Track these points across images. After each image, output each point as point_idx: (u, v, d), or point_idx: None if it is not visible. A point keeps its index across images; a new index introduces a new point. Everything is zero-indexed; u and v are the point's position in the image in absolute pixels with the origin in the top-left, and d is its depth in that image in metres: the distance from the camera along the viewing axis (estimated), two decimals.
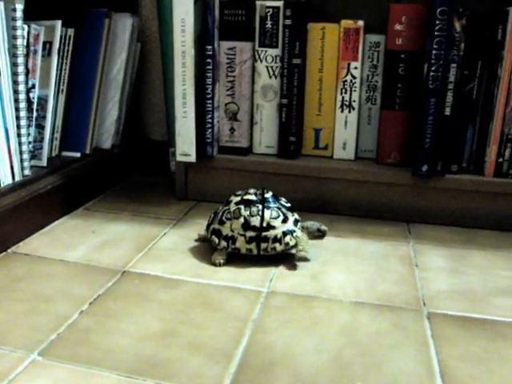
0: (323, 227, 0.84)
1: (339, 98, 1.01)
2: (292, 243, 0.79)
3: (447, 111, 0.92)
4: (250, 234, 0.78)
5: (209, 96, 0.99)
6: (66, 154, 1.06)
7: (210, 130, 1.00)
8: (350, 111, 1.01)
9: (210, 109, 0.99)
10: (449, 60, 0.89)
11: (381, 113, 1.00)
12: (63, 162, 1.02)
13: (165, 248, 0.85)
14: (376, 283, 0.76)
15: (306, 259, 0.80)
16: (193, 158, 0.99)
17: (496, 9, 0.89)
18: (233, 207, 0.80)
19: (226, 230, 0.79)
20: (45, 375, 0.54)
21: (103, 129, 1.13)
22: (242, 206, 0.79)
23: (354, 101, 1.00)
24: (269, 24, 0.99)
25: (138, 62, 1.20)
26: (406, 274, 0.79)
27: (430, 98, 0.90)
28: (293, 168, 1.00)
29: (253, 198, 0.80)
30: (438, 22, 0.87)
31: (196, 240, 0.88)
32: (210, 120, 1.00)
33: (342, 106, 1.01)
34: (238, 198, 0.81)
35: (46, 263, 0.78)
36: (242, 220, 0.78)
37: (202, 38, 0.96)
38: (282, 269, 0.79)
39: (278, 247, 0.79)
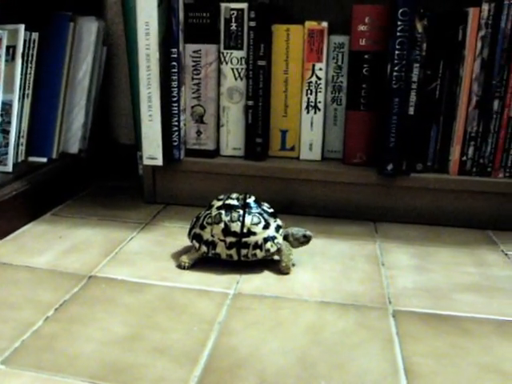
0: (308, 233, 0.82)
1: (305, 99, 1.01)
2: (273, 250, 0.79)
3: (411, 111, 0.93)
4: (230, 239, 0.78)
5: (174, 99, 0.99)
6: (32, 159, 1.05)
7: (176, 133, 1.00)
8: (315, 112, 1.02)
9: (176, 112, 0.99)
10: (411, 60, 0.90)
11: (346, 113, 1.01)
12: (29, 168, 1.01)
13: (132, 252, 0.84)
14: (342, 282, 0.77)
15: (288, 273, 0.80)
16: (159, 162, 0.99)
17: (456, 10, 0.91)
18: (214, 212, 0.79)
19: (206, 235, 0.79)
20: None
21: (70, 133, 1.12)
22: (223, 211, 0.79)
23: (320, 102, 1.01)
24: (233, 26, 0.99)
25: (104, 65, 1.19)
26: (372, 273, 0.80)
27: (394, 97, 0.92)
28: (260, 169, 1.01)
29: (234, 203, 0.80)
30: (399, 22, 0.88)
31: None
32: (176, 123, 1.00)
33: (307, 107, 1.02)
34: (220, 203, 0.80)
35: (11, 270, 0.78)
36: (222, 225, 0.78)
37: (167, 41, 0.96)
38: (248, 269, 0.79)
39: (259, 254, 0.78)
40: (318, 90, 1.01)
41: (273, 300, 0.71)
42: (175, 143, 1.01)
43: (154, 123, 0.97)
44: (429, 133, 0.95)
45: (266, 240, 0.78)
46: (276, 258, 0.81)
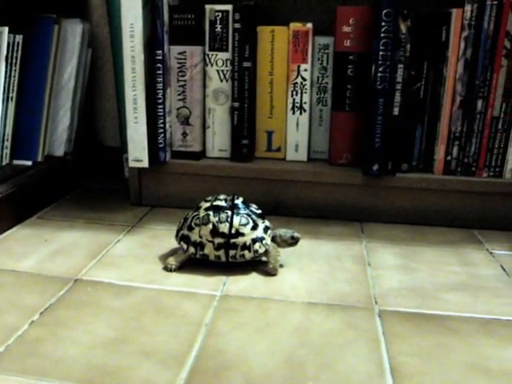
0: (296, 234, 0.82)
1: (290, 100, 1.02)
2: (261, 250, 0.79)
3: (396, 111, 0.93)
4: (218, 240, 0.78)
5: (160, 101, 0.98)
6: (17, 162, 1.04)
7: (162, 135, 1.00)
8: (301, 113, 1.02)
9: (162, 114, 0.99)
10: (395, 61, 0.91)
11: (332, 114, 1.01)
12: (14, 171, 1.00)
13: (118, 255, 0.84)
14: (329, 283, 0.77)
15: (275, 274, 0.80)
16: (145, 164, 0.99)
17: (440, 10, 0.91)
18: (202, 213, 0.79)
19: (194, 236, 0.79)
20: None
21: (55, 136, 1.12)
22: (211, 212, 0.78)
23: (305, 103, 1.01)
24: (218, 28, 0.99)
25: (89, 67, 1.19)
26: (358, 273, 0.80)
27: (379, 98, 0.92)
28: (246, 171, 1.01)
29: (222, 204, 0.80)
30: (383, 23, 0.89)
31: None
32: (161, 125, 0.99)
33: (293, 108, 1.02)
34: (208, 204, 0.80)
35: None
36: (210, 226, 0.78)
37: (152, 43, 0.96)
38: (235, 270, 0.80)
39: (247, 254, 0.78)
40: (304, 90, 1.01)
41: (260, 301, 0.71)
42: (161, 145, 1.00)
43: (139, 125, 0.97)
44: (414, 133, 0.96)
45: (254, 241, 0.78)
46: (264, 259, 0.81)
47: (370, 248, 0.89)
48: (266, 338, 0.63)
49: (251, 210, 0.81)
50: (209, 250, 0.78)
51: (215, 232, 0.78)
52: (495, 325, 0.67)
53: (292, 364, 0.58)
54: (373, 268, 0.82)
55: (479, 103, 0.92)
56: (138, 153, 0.99)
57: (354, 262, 0.84)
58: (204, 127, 1.04)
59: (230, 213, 0.78)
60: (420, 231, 0.97)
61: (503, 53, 0.89)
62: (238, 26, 0.98)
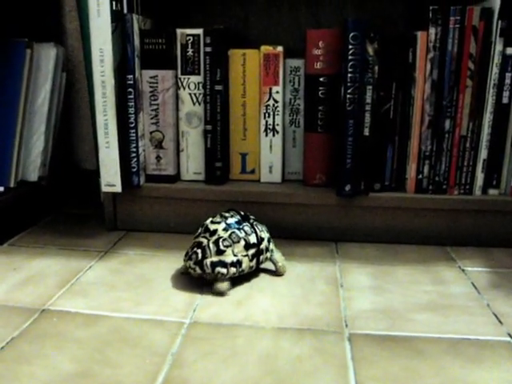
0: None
1: (263, 122, 1.02)
2: (273, 247, 0.86)
3: (366, 132, 0.94)
4: (251, 252, 0.81)
5: (132, 125, 0.98)
6: None
7: (135, 159, 1.00)
8: (274, 135, 1.02)
9: (134, 138, 0.99)
10: (364, 82, 0.91)
11: (304, 135, 1.01)
12: None
13: (89, 282, 0.83)
14: (300, 307, 0.77)
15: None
16: (118, 189, 0.99)
17: (406, 33, 0.92)
18: (225, 233, 0.80)
19: (229, 257, 0.79)
20: None
21: (29, 160, 1.11)
22: (235, 230, 0.81)
23: (278, 124, 1.02)
24: (190, 52, 1.00)
25: (64, 91, 1.19)
26: (330, 295, 0.80)
27: (349, 119, 0.92)
28: (220, 193, 1.01)
29: (235, 219, 0.83)
30: (350, 46, 0.89)
31: (182, 273, 0.86)
32: (134, 149, 0.99)
33: (266, 130, 1.02)
34: (223, 224, 0.81)
35: None
36: (242, 242, 0.80)
37: (123, 68, 0.96)
38: (206, 296, 0.79)
39: (268, 254, 0.85)
40: (276, 112, 1.01)
41: (229, 328, 0.71)
42: (134, 169, 1.00)
43: (111, 150, 0.97)
44: (385, 152, 0.97)
45: (268, 241, 0.85)
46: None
47: (343, 269, 0.89)
48: (233, 366, 0.62)
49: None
50: (245, 264, 0.80)
51: (248, 245, 0.81)
52: (464, 345, 0.67)
53: None
54: (345, 289, 0.82)
55: (447, 123, 0.93)
56: (110, 177, 0.98)
57: (327, 283, 0.84)
58: (178, 150, 1.04)
59: (248, 224, 0.83)
60: (394, 250, 0.97)
61: (467, 74, 0.90)
62: (209, 49, 0.98)
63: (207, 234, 0.81)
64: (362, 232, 1.00)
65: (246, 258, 0.80)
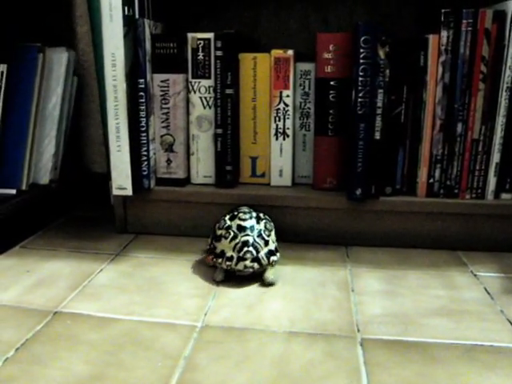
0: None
1: (273, 125, 1.02)
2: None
3: (377, 135, 0.94)
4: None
5: (143, 129, 0.99)
6: (0, 191, 1.04)
7: (145, 163, 1.00)
8: (284, 138, 1.02)
9: (145, 141, 0.99)
10: (375, 86, 0.91)
11: (315, 139, 1.01)
12: None
13: (100, 285, 0.84)
14: (311, 311, 0.76)
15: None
16: (129, 192, 0.99)
17: (417, 36, 0.92)
18: (260, 225, 0.85)
19: (272, 245, 0.85)
20: None
21: (40, 164, 1.12)
22: (264, 220, 0.87)
23: (288, 128, 1.02)
24: (201, 56, 1.00)
25: (75, 95, 1.19)
26: (341, 300, 0.80)
27: (360, 123, 0.92)
28: (230, 197, 1.01)
29: (250, 211, 0.87)
30: (362, 50, 0.89)
31: (217, 281, 0.86)
32: (145, 153, 1.00)
33: (276, 134, 1.02)
34: (253, 219, 0.85)
35: None
36: (273, 229, 0.89)
37: (134, 72, 0.97)
38: (217, 300, 0.79)
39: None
40: (286, 116, 1.01)
41: (241, 332, 0.71)
42: (145, 173, 1.00)
43: (122, 154, 0.97)
44: (396, 156, 0.96)
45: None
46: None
47: (354, 273, 0.89)
48: (246, 370, 0.62)
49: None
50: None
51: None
52: (477, 351, 0.66)
53: None
54: (356, 294, 0.82)
55: (459, 126, 0.93)
56: (121, 181, 0.99)
57: (339, 288, 0.84)
58: (188, 154, 1.05)
59: (264, 219, 0.87)
60: (405, 254, 0.97)
61: (480, 77, 0.90)
62: (219, 53, 0.98)
63: (248, 232, 0.83)
64: (372, 236, 1.00)
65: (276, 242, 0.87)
